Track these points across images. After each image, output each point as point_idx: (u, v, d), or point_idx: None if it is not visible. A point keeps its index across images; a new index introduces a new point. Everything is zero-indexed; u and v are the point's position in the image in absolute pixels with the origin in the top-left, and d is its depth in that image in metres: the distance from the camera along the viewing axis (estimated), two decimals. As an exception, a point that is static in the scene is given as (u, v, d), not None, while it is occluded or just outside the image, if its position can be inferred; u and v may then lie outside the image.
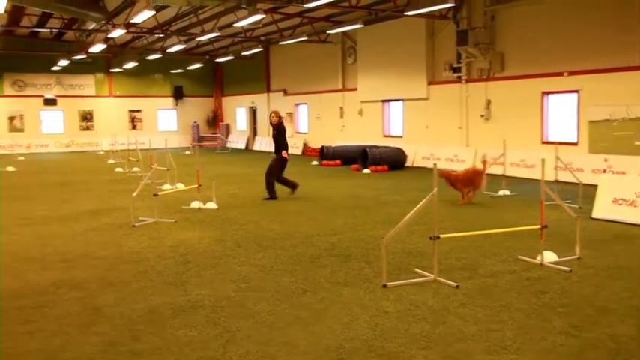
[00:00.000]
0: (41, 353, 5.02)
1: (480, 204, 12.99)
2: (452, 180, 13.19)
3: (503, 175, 14.54)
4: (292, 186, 14.20)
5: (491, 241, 8.90)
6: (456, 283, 6.77)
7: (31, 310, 6.13)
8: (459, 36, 19.69)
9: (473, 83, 20.44)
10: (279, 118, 14.07)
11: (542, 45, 17.96)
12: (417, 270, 7.40)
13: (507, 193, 14.19)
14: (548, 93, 18.11)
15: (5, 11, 17.07)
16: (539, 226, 7.66)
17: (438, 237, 6.89)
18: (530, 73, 18.30)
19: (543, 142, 18.12)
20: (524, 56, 18.54)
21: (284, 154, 13.70)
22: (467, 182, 13.07)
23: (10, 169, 23.21)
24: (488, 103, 19.84)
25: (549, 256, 7.73)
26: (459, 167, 20.16)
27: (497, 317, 5.74)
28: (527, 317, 5.73)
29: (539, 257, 7.71)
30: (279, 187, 14.03)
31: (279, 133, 13.87)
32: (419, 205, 6.83)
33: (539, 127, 18.26)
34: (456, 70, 20.92)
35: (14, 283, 7.15)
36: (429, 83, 22.29)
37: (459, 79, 20.90)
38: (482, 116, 20.07)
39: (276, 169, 13.92)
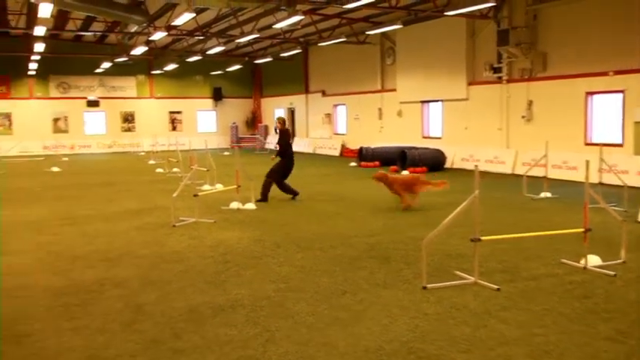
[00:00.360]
0: (86, 350, 5.11)
1: (521, 206, 12.79)
2: (389, 182, 12.87)
3: (544, 177, 14.28)
4: (293, 193, 14.01)
5: (533, 244, 8.75)
6: (497, 286, 6.68)
7: (76, 308, 6.25)
8: (500, 36, 19.43)
9: (514, 83, 20.14)
10: (282, 124, 14.18)
11: (586, 44, 17.61)
12: (457, 272, 7.32)
13: (549, 195, 13.93)
14: (592, 93, 17.75)
15: (51, 16, 17.44)
16: (582, 229, 7.51)
17: (479, 239, 6.80)
18: (573, 73, 17.96)
19: (587, 144, 17.76)
20: (567, 56, 18.20)
21: (272, 157, 13.91)
22: (404, 186, 12.72)
23: (55, 169, 23.71)
24: (530, 103, 19.54)
25: (593, 260, 7.56)
26: (499, 169, 19.95)
27: (540, 321, 5.64)
28: (571, 322, 5.61)
29: (582, 261, 7.55)
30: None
31: (282, 139, 13.92)
32: (460, 207, 6.75)
33: (583, 129, 17.91)
34: (496, 70, 20.65)
35: (59, 281, 7.30)
36: (469, 84, 22.06)
37: (499, 80, 20.62)
38: (523, 117, 19.77)
39: (276, 173, 13.87)
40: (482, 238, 6.91)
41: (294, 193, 14.09)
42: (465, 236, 8.94)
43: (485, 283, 6.78)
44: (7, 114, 35.22)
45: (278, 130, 14.15)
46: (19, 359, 4.96)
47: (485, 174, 17.52)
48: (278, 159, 13.81)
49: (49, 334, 5.49)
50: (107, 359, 4.92)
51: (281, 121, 14.28)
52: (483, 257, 7.73)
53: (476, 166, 6.94)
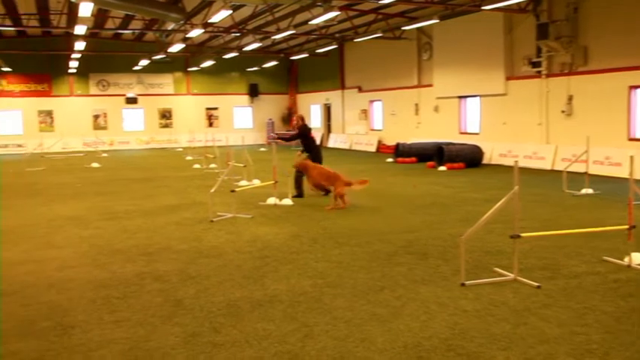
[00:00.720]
0: (127, 342, 5.20)
1: (561, 203, 12.59)
2: (308, 171, 12.65)
3: (585, 173, 14.01)
4: (299, 193, 13.65)
5: (574, 241, 8.60)
6: (537, 284, 6.58)
7: (117, 301, 6.36)
8: (539, 29, 19.13)
9: (554, 78, 19.80)
10: (301, 120, 14.28)
11: (628, 36, 17.20)
12: (496, 269, 7.24)
13: (590, 191, 13.67)
14: (636, 87, 17.34)
15: (91, 14, 17.74)
16: (626, 226, 7.35)
17: (519, 236, 6.71)
18: (616, 67, 17.58)
19: (630, 139, 17.37)
20: (609, 49, 17.81)
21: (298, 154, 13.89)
22: (324, 177, 12.45)
23: (95, 165, 24.14)
24: (570, 98, 19.19)
25: (638, 258, 7.40)
26: (539, 165, 19.66)
27: (582, 320, 5.54)
28: (616, 321, 5.50)
29: (626, 259, 7.40)
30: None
31: (301, 136, 14.00)
32: (499, 203, 6.67)
33: (626, 123, 17.52)
34: (535, 64, 20.32)
35: (101, 275, 7.44)
36: (507, 79, 21.76)
37: (538, 74, 20.30)
38: (563, 112, 19.43)
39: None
40: (522, 234, 6.81)
41: (300, 195, 13.70)
42: (503, 233, 8.86)
43: (525, 280, 6.70)
44: (48, 111, 36.01)
45: (296, 127, 14.22)
46: (66, 349, 5.07)
47: (524, 170, 17.28)
48: (303, 155, 13.81)
49: (93, 326, 5.60)
50: (148, 351, 4.99)
51: (299, 117, 14.37)
52: (523, 254, 7.63)
53: (515, 161, 6.84)
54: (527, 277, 6.78)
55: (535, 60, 20.30)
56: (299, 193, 13.62)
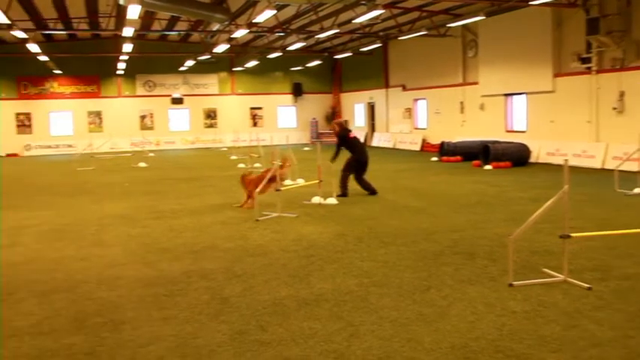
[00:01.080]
0: (175, 339, 5.27)
1: (612, 202, 12.28)
2: (246, 182, 12.68)
3: (638, 172, 13.61)
4: (344, 193, 13.69)
5: (626, 242, 8.37)
6: (588, 285, 6.43)
7: (165, 298, 6.46)
8: (590, 24, 18.68)
9: (604, 74, 19.32)
10: (339, 126, 14.21)
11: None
12: (544, 270, 7.11)
13: (643, 190, 13.30)
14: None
15: (138, 17, 18.06)
16: (681, 226, 7.13)
17: (569, 236, 6.57)
18: (669, 62, 17.07)
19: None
20: (662, 44, 17.30)
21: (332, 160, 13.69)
22: (258, 183, 12.16)
23: (142, 165, 24.57)
24: (622, 94, 18.69)
25: (693, 259, 7.17)
26: (588, 163, 19.22)
27: (636, 323, 5.39)
28: (670, 323, 5.35)
29: (681, 259, 7.18)
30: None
31: (341, 143, 13.90)
32: (549, 202, 6.54)
33: (680, 120, 17.00)
34: (585, 60, 19.86)
35: (149, 272, 7.57)
36: (555, 75, 21.33)
37: (588, 70, 19.83)
38: (614, 109, 18.94)
39: (350, 167, 13.85)
40: (572, 234, 6.67)
41: (372, 191, 14.00)
42: (551, 233, 8.69)
43: (575, 282, 6.55)
44: (97, 112, 36.83)
45: (335, 135, 14.21)
46: (116, 345, 5.17)
47: (573, 169, 16.91)
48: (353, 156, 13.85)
49: (142, 323, 5.70)
50: (196, 348, 5.05)
51: (335, 124, 14.44)
52: (572, 255, 7.46)
53: (565, 160, 6.70)
54: (578, 279, 6.64)
55: (585, 56, 19.85)
56: (344, 193, 13.62)
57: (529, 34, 22.09)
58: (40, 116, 35.76)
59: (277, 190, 11.71)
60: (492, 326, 5.39)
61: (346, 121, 15.45)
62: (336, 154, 13.86)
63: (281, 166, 12.78)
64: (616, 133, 18.80)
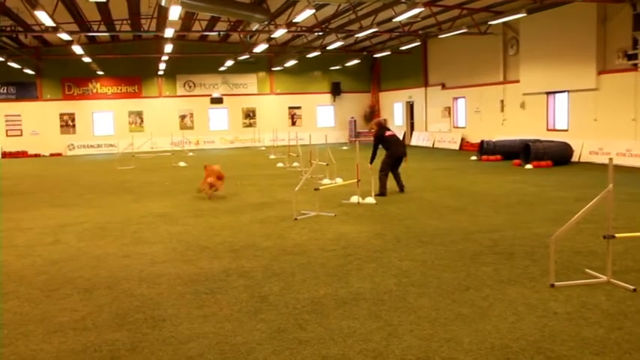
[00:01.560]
0: (215, 336, 5.33)
1: (658, 202, 11.98)
2: (207, 172, 14.33)
3: (685, 171, 13.27)
4: (382, 192, 13.69)
5: (673, 243, 8.17)
6: (633, 287, 6.29)
7: (205, 296, 6.52)
8: (637, 20, 18.25)
9: (650, 71, 18.87)
10: (377, 125, 14.29)
11: None
12: (587, 270, 6.97)
13: (690, 190, 12.94)
14: None
15: (179, 18, 18.29)
16: None
17: (613, 236, 6.43)
18: None
19: None
20: None
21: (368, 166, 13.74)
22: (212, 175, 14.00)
23: (182, 164, 24.88)
24: (668, 92, 18.23)
25: None
26: (633, 162, 18.78)
27: (683, 325, 5.26)
28: None
29: None
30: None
31: (378, 142, 14.00)
32: (592, 202, 6.40)
33: None
34: (631, 57, 19.38)
35: (189, 270, 7.66)
36: (599, 73, 20.89)
37: (634, 67, 19.36)
38: (660, 107, 18.50)
39: (387, 165, 13.88)
40: (617, 235, 6.52)
41: (401, 187, 14.11)
42: (594, 233, 8.53)
43: (620, 283, 6.41)
44: (138, 112, 37.43)
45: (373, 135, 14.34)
46: (157, 342, 5.25)
47: (617, 167, 16.56)
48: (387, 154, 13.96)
49: (182, 320, 5.77)
50: (235, 346, 5.10)
51: (374, 124, 14.56)
52: (616, 255, 7.31)
53: (610, 158, 6.57)
54: (622, 280, 6.49)
55: (631, 52, 19.38)
56: (382, 192, 13.58)
57: (572, 31, 21.68)
58: (83, 116, 36.54)
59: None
60: (533, 327, 5.31)
61: (385, 120, 15.40)
62: (374, 155, 13.91)
63: (218, 178, 14.06)
64: (662, 131, 18.34)
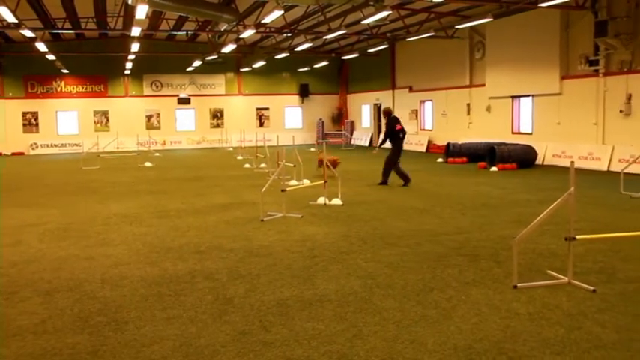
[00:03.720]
0: (179, 338, 5.27)
1: (617, 205, 12.24)
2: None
3: (644, 175, 13.57)
4: (405, 179, 15.29)
5: (631, 245, 8.33)
6: (592, 287, 6.41)
7: (169, 298, 6.46)
8: (598, 27, 18.63)
9: (612, 76, 19.27)
10: (385, 115, 16.02)
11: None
12: (549, 272, 7.08)
13: (649, 193, 13.24)
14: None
15: (146, 16, 18.09)
16: (687, 230, 7.10)
17: (574, 238, 6.55)
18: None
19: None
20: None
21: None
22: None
23: (148, 164, 24.62)
24: (629, 97, 18.62)
25: (699, 262, 7.13)
26: (594, 166, 19.15)
27: (640, 325, 5.38)
28: (675, 327, 5.32)
29: (687, 263, 7.14)
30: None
31: (388, 133, 15.69)
32: (554, 204, 6.51)
33: (687, 123, 16.91)
34: (592, 63, 19.80)
35: (153, 271, 7.58)
36: (562, 78, 21.27)
37: (595, 73, 19.77)
38: (621, 112, 18.87)
39: (391, 160, 15.55)
40: (578, 236, 6.65)
41: (407, 180, 15.54)
42: (556, 235, 8.68)
43: (580, 284, 6.53)
44: (104, 112, 36.94)
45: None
46: (120, 345, 5.17)
47: (578, 171, 16.87)
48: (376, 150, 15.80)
49: (145, 322, 5.70)
50: (199, 348, 5.05)
51: (384, 112, 16.17)
52: (577, 257, 7.44)
53: (572, 162, 6.68)
54: (582, 281, 6.61)
55: (592, 58, 19.79)
56: (384, 181, 15.43)
57: (537, 36, 22.04)
58: (46, 115, 35.89)
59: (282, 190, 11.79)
60: (496, 328, 5.37)
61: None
62: (383, 142, 15.77)
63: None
64: (622, 135, 18.74)
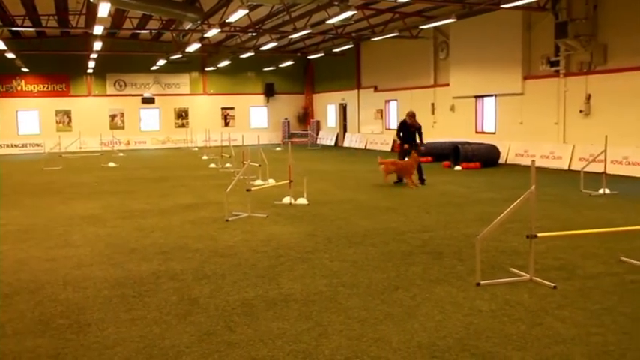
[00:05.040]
0: (143, 340, 5.22)
1: (577, 203, 12.49)
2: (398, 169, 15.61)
3: (603, 174, 13.86)
4: (400, 178, 15.87)
5: (591, 242, 8.52)
6: (553, 284, 6.53)
7: (133, 299, 6.39)
8: (558, 28, 18.97)
9: (572, 77, 19.65)
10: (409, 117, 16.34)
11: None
12: (511, 269, 7.20)
13: (607, 191, 13.52)
14: (655, 86, 17.14)
15: (109, 15, 17.85)
16: (644, 226, 7.28)
17: (535, 236, 6.66)
18: (636, 65, 17.37)
19: (649, 139, 17.18)
20: (630, 47, 17.60)
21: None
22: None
23: (112, 164, 24.31)
24: (589, 97, 19.02)
25: (656, 258, 7.31)
26: (555, 165, 19.50)
27: (599, 320, 5.49)
28: (633, 322, 5.45)
29: (644, 259, 7.32)
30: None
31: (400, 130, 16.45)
32: (516, 203, 6.62)
33: (644, 123, 17.32)
34: (553, 63, 20.17)
35: (117, 273, 7.48)
36: (525, 78, 21.62)
37: (556, 73, 20.14)
38: (581, 111, 19.27)
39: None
40: (539, 234, 6.76)
41: (422, 181, 15.92)
42: (519, 233, 8.81)
43: (541, 281, 6.65)
44: (66, 111, 36.35)
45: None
46: (82, 347, 5.10)
47: (540, 170, 17.17)
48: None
49: (108, 324, 5.63)
50: (163, 349, 5.01)
51: (410, 114, 16.43)
52: (539, 254, 7.57)
53: (533, 161, 6.79)
54: (543, 277, 6.73)
55: (553, 59, 20.15)
56: (399, 180, 15.95)
57: (499, 37, 22.35)
58: (6, 115, 35.11)
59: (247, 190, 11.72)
60: (459, 325, 5.44)
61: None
62: (404, 139, 16.30)
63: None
64: (582, 135, 19.13)
